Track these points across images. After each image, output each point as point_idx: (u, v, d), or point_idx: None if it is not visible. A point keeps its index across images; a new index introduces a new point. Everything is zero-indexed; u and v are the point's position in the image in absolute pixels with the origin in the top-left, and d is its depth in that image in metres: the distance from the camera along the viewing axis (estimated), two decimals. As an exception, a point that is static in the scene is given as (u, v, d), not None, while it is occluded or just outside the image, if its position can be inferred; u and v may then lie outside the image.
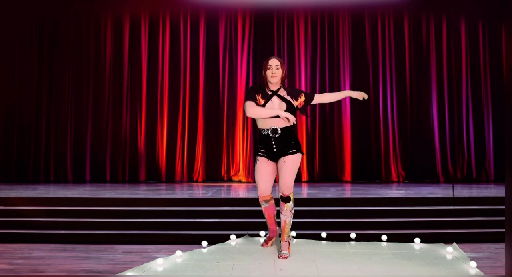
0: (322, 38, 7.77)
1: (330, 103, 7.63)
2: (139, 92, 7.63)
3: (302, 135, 7.59)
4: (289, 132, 3.21)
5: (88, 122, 7.57)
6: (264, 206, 3.36)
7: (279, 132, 3.16)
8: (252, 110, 3.16)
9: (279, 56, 7.70)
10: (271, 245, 3.51)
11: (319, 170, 7.61)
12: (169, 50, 7.70)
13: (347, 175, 7.57)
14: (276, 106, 3.19)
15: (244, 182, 7.33)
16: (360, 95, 3.38)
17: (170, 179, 7.53)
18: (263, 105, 3.19)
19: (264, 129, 3.19)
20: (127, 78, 7.63)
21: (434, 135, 7.59)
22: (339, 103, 7.61)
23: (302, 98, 3.28)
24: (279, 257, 3.29)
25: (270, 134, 3.17)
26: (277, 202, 3.39)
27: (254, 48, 7.70)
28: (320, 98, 3.42)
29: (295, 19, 7.75)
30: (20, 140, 7.51)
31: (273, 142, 3.18)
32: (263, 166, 3.24)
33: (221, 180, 7.56)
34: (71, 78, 7.61)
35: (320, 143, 7.64)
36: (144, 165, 7.54)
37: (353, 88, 7.61)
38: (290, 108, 3.19)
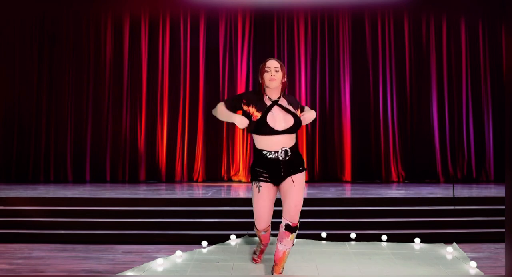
0: (322, 38, 7.77)
1: (330, 103, 7.67)
2: (139, 92, 7.63)
3: (302, 135, 7.60)
4: (296, 150, 2.80)
5: (88, 122, 7.57)
6: (263, 234, 3.03)
7: (289, 153, 2.72)
8: (218, 109, 2.75)
9: (279, 56, 7.70)
10: (261, 258, 3.32)
11: (319, 170, 7.61)
12: (169, 50, 7.70)
13: (347, 175, 7.57)
14: (280, 119, 2.71)
15: (244, 182, 7.33)
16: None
17: (170, 179, 7.53)
18: (261, 119, 2.69)
19: (270, 152, 2.72)
20: (127, 78, 7.63)
21: (434, 135, 7.59)
22: (339, 102, 7.62)
23: (299, 112, 2.80)
24: None
25: (280, 157, 2.71)
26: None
27: (254, 48, 7.70)
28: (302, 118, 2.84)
29: (295, 19, 7.75)
30: (20, 140, 7.51)
31: (281, 165, 2.73)
32: (269, 193, 2.78)
33: (221, 180, 7.56)
34: (71, 78, 7.60)
35: (320, 143, 7.64)
36: (144, 165, 7.54)
37: (353, 88, 7.63)
38: (296, 122, 2.73)
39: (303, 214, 4.93)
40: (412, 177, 7.56)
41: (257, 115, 2.69)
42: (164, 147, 7.57)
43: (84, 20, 7.63)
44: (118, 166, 7.54)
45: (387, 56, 7.69)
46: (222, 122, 7.59)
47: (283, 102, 2.78)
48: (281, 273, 2.85)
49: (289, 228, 2.74)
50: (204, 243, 3.73)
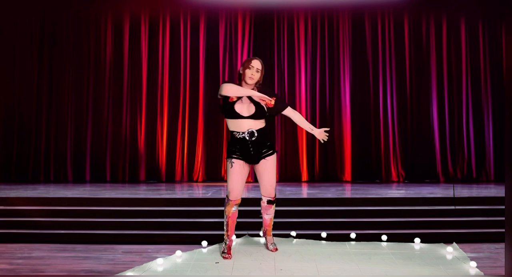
0: (322, 38, 7.78)
1: (330, 103, 7.67)
2: (139, 92, 7.64)
3: (302, 135, 7.60)
4: (264, 134, 3.19)
5: (88, 122, 7.57)
6: (233, 211, 3.30)
7: (256, 134, 3.13)
8: (229, 88, 3.10)
9: (279, 57, 7.72)
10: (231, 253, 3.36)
11: (319, 170, 7.61)
12: (169, 50, 7.71)
13: (347, 175, 7.58)
14: (245, 107, 3.12)
15: (244, 182, 7.33)
16: (320, 136, 3.27)
17: (170, 179, 7.53)
18: (230, 105, 3.12)
19: (238, 132, 3.15)
20: (127, 78, 7.64)
21: (434, 135, 7.59)
22: (339, 102, 7.62)
23: (272, 102, 3.18)
24: (272, 250, 3.40)
25: (247, 137, 3.12)
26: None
27: (254, 48, 7.71)
28: (292, 113, 3.28)
29: (295, 19, 7.75)
30: (20, 140, 7.51)
31: (250, 145, 3.14)
32: (240, 169, 3.19)
33: (221, 180, 7.56)
34: (71, 78, 7.61)
35: (320, 143, 7.64)
36: (144, 165, 7.55)
37: (353, 88, 7.64)
38: (258, 112, 3.13)
39: (303, 214, 4.95)
40: (412, 177, 7.56)
41: (234, 98, 3.15)
42: (164, 147, 7.58)
43: (84, 20, 7.63)
44: (118, 166, 7.54)
45: (387, 56, 7.69)
46: (222, 122, 7.62)
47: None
48: (271, 235, 3.46)
49: (270, 202, 3.32)
50: (204, 243, 3.73)
